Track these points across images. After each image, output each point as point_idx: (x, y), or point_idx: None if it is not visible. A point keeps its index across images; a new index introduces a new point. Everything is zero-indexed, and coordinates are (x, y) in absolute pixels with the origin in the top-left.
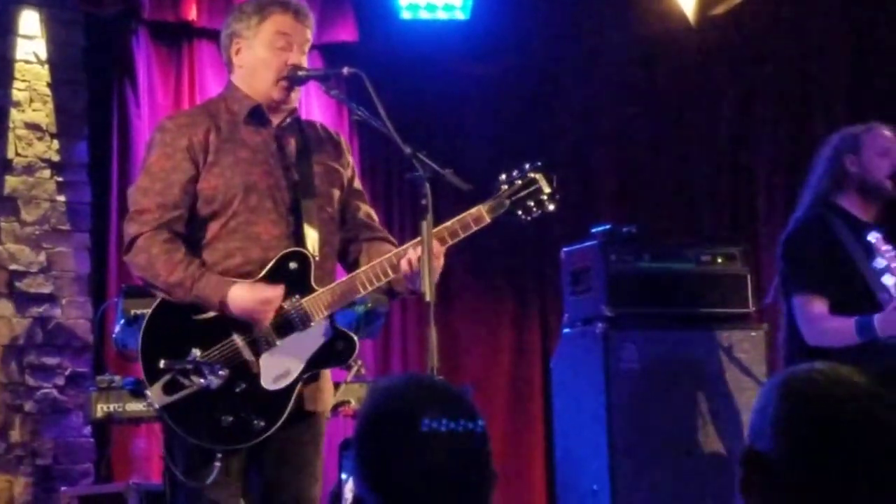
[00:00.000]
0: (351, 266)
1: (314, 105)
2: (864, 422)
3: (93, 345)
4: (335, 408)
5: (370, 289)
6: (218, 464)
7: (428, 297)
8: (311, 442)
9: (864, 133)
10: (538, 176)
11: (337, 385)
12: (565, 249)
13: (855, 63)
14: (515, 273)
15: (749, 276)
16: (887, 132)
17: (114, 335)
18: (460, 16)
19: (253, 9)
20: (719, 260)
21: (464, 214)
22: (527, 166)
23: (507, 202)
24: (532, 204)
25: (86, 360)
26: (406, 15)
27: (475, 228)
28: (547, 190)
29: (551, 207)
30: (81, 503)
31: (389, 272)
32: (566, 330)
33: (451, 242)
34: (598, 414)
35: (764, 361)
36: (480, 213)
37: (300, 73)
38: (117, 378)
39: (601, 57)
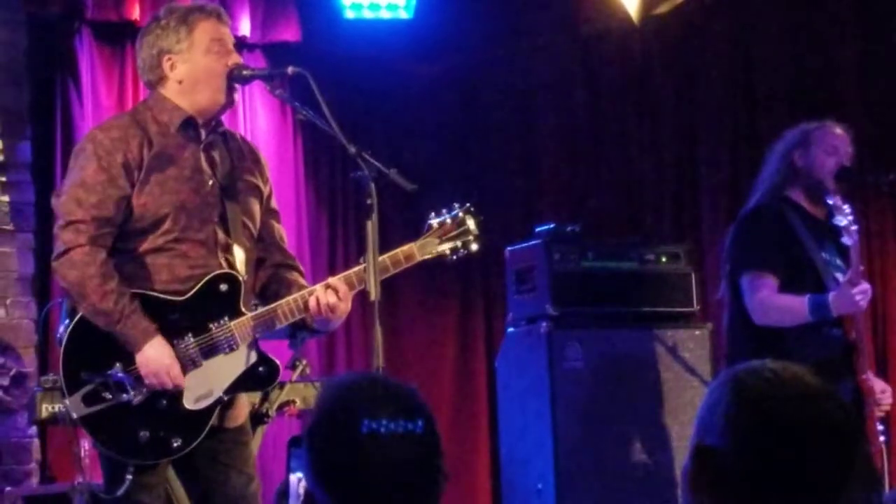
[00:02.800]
0: (260, 288)
1: (258, 105)
2: (814, 420)
3: (37, 345)
4: (280, 407)
5: (289, 321)
6: (129, 476)
7: (373, 296)
8: (238, 444)
9: (816, 130)
10: (467, 217)
11: (282, 385)
12: (509, 248)
13: (797, 62)
14: (460, 272)
15: (693, 275)
16: (839, 131)
17: (58, 335)
18: (404, 15)
19: (176, 21)
20: (663, 259)
21: (395, 252)
22: (456, 206)
23: (438, 242)
24: (459, 244)
25: (30, 360)
26: (349, 14)
27: (406, 265)
28: (474, 231)
29: (475, 248)
30: (26, 503)
31: (303, 309)
32: (510, 329)
33: (382, 277)
34: (543, 413)
35: (708, 360)
36: (412, 251)
37: (245, 72)
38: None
39: (544, 56)
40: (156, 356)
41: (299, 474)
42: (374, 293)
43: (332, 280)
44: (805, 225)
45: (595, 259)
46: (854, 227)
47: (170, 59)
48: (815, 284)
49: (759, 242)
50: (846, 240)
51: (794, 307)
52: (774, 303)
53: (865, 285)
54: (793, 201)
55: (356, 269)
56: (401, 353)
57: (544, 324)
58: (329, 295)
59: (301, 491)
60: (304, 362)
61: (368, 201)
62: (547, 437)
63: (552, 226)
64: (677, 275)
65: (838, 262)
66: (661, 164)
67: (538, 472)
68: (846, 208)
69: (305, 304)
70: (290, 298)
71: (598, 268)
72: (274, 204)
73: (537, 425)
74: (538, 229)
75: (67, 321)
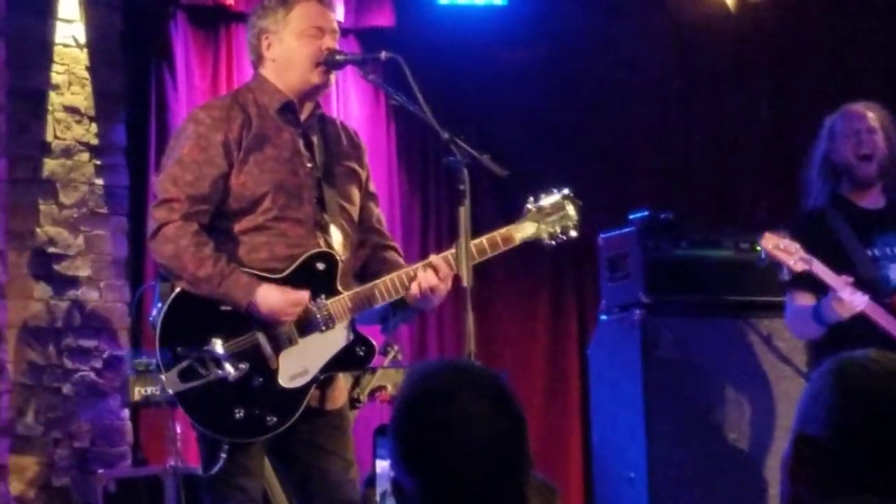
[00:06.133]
0: (359, 269)
1: (351, 90)
2: None
3: (130, 328)
4: (372, 393)
5: (387, 300)
6: (224, 455)
7: (465, 283)
8: (337, 429)
9: (836, 118)
10: (567, 202)
11: (374, 370)
12: (603, 236)
13: (893, 47)
14: (553, 259)
15: None
16: (855, 108)
17: (151, 318)
18: (498, 1)
19: (277, 2)
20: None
21: (493, 234)
22: (555, 191)
23: (536, 225)
24: (558, 229)
25: (123, 343)
26: (443, 0)
27: (503, 249)
28: (573, 217)
29: (574, 234)
30: (118, 486)
31: (402, 289)
32: (603, 317)
33: (478, 260)
34: (635, 401)
35: (803, 350)
36: (510, 235)
37: (338, 57)
38: (154, 361)
39: (638, 42)
40: (270, 295)
41: (387, 463)
42: (465, 279)
43: (433, 258)
44: (851, 224)
45: (689, 247)
46: None
47: (267, 38)
48: (866, 284)
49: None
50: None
51: (805, 318)
52: (795, 317)
53: (853, 294)
54: (844, 198)
55: (475, 241)
56: (493, 339)
57: (637, 311)
58: (429, 274)
59: (386, 480)
60: (396, 348)
61: (461, 187)
62: (639, 425)
63: (646, 213)
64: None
65: None
66: (756, 151)
67: (630, 461)
68: None
69: (404, 283)
70: (388, 277)
71: (692, 255)
72: (372, 187)
73: (630, 413)
74: (632, 216)
75: (160, 304)
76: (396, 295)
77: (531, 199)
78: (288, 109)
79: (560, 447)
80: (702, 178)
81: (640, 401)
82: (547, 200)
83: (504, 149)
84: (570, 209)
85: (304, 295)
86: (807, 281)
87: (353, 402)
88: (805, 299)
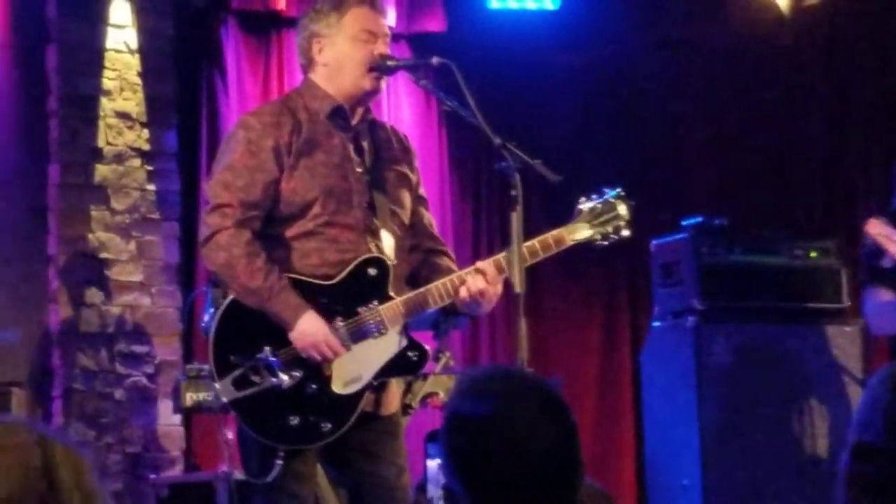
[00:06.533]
0: (410, 274)
1: (402, 96)
2: None
3: (181, 334)
4: (423, 399)
5: (439, 305)
6: (279, 462)
7: (517, 288)
8: (389, 435)
9: None
10: (619, 202)
11: (426, 376)
12: (655, 242)
13: None
14: (605, 265)
15: (843, 271)
16: None
17: (202, 324)
18: (549, 6)
19: (329, 6)
20: (813, 254)
21: (545, 236)
22: (607, 191)
23: (588, 227)
24: (610, 230)
25: (175, 349)
26: (494, 4)
27: (555, 250)
28: (626, 216)
29: (626, 234)
30: (170, 491)
31: (452, 294)
32: (656, 323)
33: (530, 262)
34: (689, 408)
35: (860, 357)
36: (562, 237)
37: (390, 62)
38: (206, 367)
39: (691, 47)
40: (311, 328)
41: (438, 460)
42: (518, 285)
43: (480, 263)
44: None
45: (743, 253)
46: None
47: (319, 42)
48: None
49: (868, 255)
50: None
51: (892, 313)
52: (882, 312)
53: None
54: None
55: (504, 252)
56: (545, 346)
57: (691, 318)
58: (478, 279)
59: (437, 485)
60: (448, 354)
61: (513, 192)
62: (693, 432)
63: (699, 219)
64: (827, 270)
65: None
66: (811, 156)
67: (684, 468)
68: None
69: (455, 288)
70: (439, 282)
71: (746, 262)
72: (423, 192)
73: (683, 420)
74: (685, 222)
75: (212, 310)
76: (448, 300)
77: (582, 199)
78: (338, 114)
79: (613, 454)
80: (756, 183)
81: (693, 407)
82: (599, 200)
83: (556, 154)
84: (622, 208)
85: (342, 350)
86: (877, 273)
87: (406, 409)
88: (888, 295)
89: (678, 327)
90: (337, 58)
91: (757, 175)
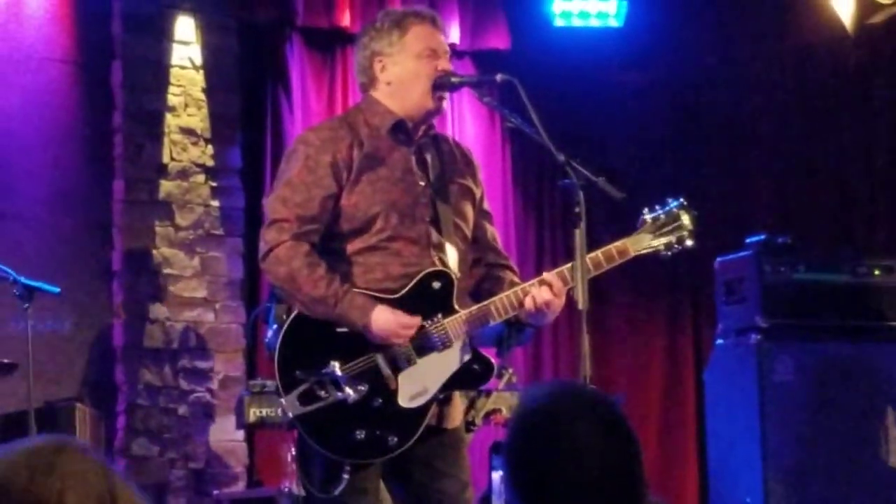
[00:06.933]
0: (474, 287)
1: (466, 112)
2: None
3: (245, 349)
4: (486, 416)
5: (503, 318)
6: (346, 476)
7: (581, 305)
8: (453, 449)
9: None
10: (682, 212)
11: (488, 393)
12: (719, 259)
13: None
14: (669, 282)
15: None
16: None
17: (266, 340)
18: (614, 23)
19: (390, 24)
20: (876, 272)
21: (608, 247)
22: (670, 201)
23: (651, 237)
24: (674, 240)
25: (238, 365)
26: (559, 22)
27: (619, 261)
28: (689, 226)
29: (690, 244)
30: None
31: (517, 306)
32: (719, 341)
33: (594, 273)
34: (752, 426)
35: None
36: (625, 247)
37: (454, 79)
38: (269, 382)
39: (756, 65)
40: (385, 318)
41: (501, 472)
42: (581, 302)
43: (546, 275)
44: None
45: (807, 271)
46: None
47: (381, 60)
48: None
49: None
50: None
51: None
52: None
53: None
54: None
55: (569, 265)
56: (609, 362)
57: (754, 336)
58: (543, 291)
59: (500, 499)
60: (511, 371)
61: (577, 210)
62: (756, 451)
63: (763, 236)
64: (891, 288)
65: None
66: (875, 174)
67: (747, 487)
68: None
69: (520, 300)
70: (503, 295)
71: (810, 280)
72: (486, 206)
73: (746, 439)
74: (749, 240)
75: (276, 325)
76: (512, 312)
77: (645, 210)
78: (400, 128)
79: (676, 472)
80: (820, 201)
81: (756, 426)
82: (662, 211)
83: (620, 171)
84: (686, 218)
85: (416, 320)
86: None
87: (469, 426)
88: None
89: (741, 345)
90: (401, 76)
91: (821, 193)
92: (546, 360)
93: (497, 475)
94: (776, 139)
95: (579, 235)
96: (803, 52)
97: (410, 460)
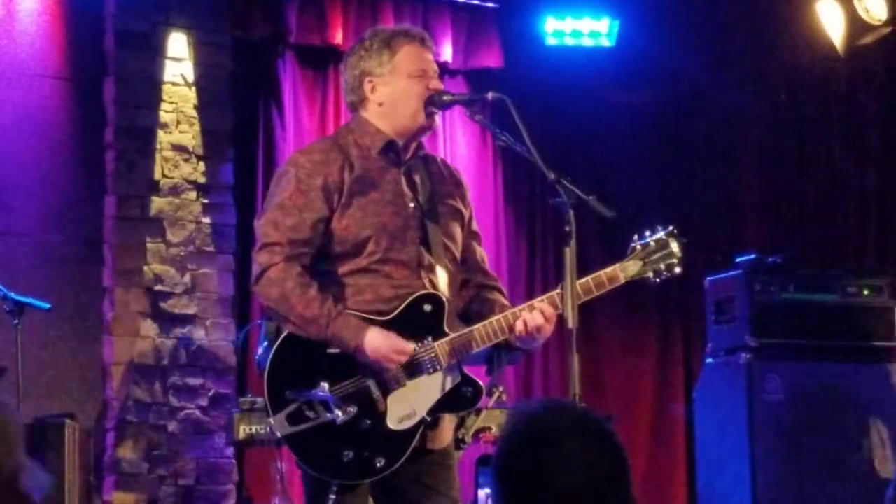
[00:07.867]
0: (463, 309)
1: (458, 131)
2: None
3: (236, 366)
4: (476, 433)
5: (492, 342)
6: (332, 496)
7: (570, 324)
8: (442, 468)
9: None
10: (671, 239)
11: (478, 411)
12: (710, 278)
13: None
14: (659, 301)
15: None
16: None
17: (257, 357)
18: (606, 43)
19: (379, 44)
20: (865, 292)
21: (598, 273)
22: (660, 229)
23: (641, 264)
24: (663, 267)
25: (228, 382)
26: (551, 41)
27: (609, 288)
28: (677, 254)
29: (678, 271)
30: None
31: (506, 331)
32: (709, 360)
33: (584, 299)
34: (741, 445)
35: None
36: (615, 273)
37: (445, 97)
38: (260, 400)
39: (747, 86)
40: (379, 340)
41: (488, 490)
42: (571, 321)
43: (536, 302)
44: None
45: (797, 290)
46: None
47: (371, 81)
48: None
49: None
50: None
51: None
52: None
53: None
54: None
55: (559, 290)
56: (599, 381)
57: (744, 355)
58: (535, 314)
59: None
60: (501, 389)
61: (567, 228)
62: (745, 470)
63: (753, 256)
64: (880, 308)
65: None
66: (865, 195)
67: None
68: None
69: (510, 325)
70: (493, 319)
71: (800, 299)
72: (475, 226)
73: (736, 458)
74: (739, 259)
75: (266, 343)
76: (502, 336)
77: (635, 237)
78: (390, 149)
79: (665, 491)
80: (810, 221)
81: (745, 445)
82: (651, 238)
83: (610, 190)
84: (675, 246)
85: (410, 346)
86: None
87: (458, 443)
88: None
89: (731, 364)
90: (392, 97)
91: (811, 213)
92: (536, 379)
93: (483, 493)
94: (767, 160)
95: (569, 254)
96: (794, 72)
97: (400, 478)
